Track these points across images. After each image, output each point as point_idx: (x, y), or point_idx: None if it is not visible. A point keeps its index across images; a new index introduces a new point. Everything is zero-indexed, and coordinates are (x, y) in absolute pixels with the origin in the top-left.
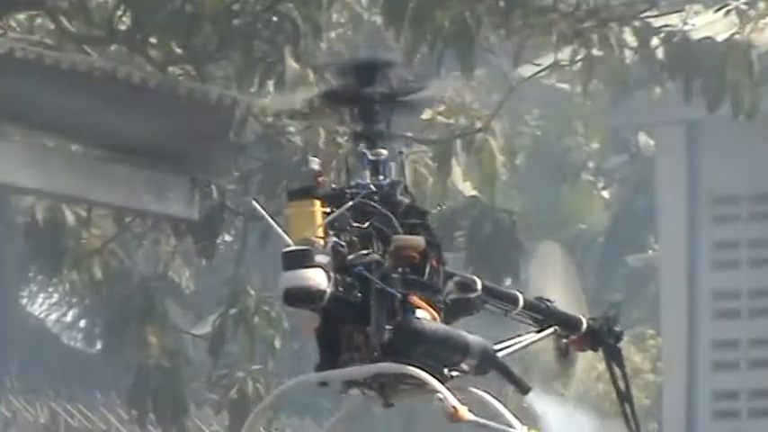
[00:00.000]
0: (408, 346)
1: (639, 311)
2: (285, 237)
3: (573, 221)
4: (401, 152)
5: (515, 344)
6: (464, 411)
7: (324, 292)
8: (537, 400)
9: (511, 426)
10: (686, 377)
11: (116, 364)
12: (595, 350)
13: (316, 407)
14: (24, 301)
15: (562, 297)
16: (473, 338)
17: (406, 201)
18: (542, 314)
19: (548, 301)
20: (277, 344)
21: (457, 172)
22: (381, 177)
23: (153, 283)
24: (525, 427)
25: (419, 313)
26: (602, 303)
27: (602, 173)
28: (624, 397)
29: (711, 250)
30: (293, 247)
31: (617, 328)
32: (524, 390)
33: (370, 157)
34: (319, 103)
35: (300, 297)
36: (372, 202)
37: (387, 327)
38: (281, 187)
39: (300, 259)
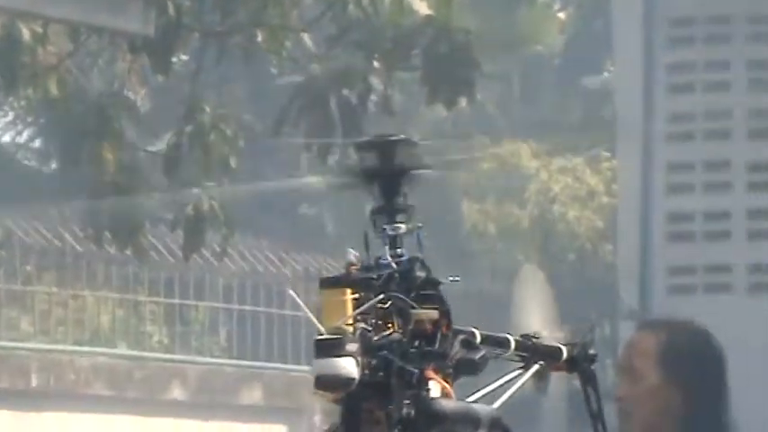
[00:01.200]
0: (427, 428)
1: (595, 133)
2: (318, 324)
3: (529, 43)
4: (419, 226)
5: (505, 385)
6: None
7: (354, 379)
8: None
9: None
10: (641, 200)
11: (72, 182)
12: (571, 373)
13: (272, 228)
14: None
15: (541, 319)
16: (481, 409)
17: (423, 275)
18: (529, 352)
19: (533, 337)
20: (233, 163)
21: None
22: (399, 251)
23: (109, 101)
24: None
25: (433, 387)
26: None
27: None
28: (597, 417)
29: (667, 73)
30: (326, 336)
31: (592, 352)
32: None
33: (390, 233)
34: (344, 181)
35: (332, 384)
36: (394, 284)
37: (406, 403)
38: (238, 2)
39: (333, 348)
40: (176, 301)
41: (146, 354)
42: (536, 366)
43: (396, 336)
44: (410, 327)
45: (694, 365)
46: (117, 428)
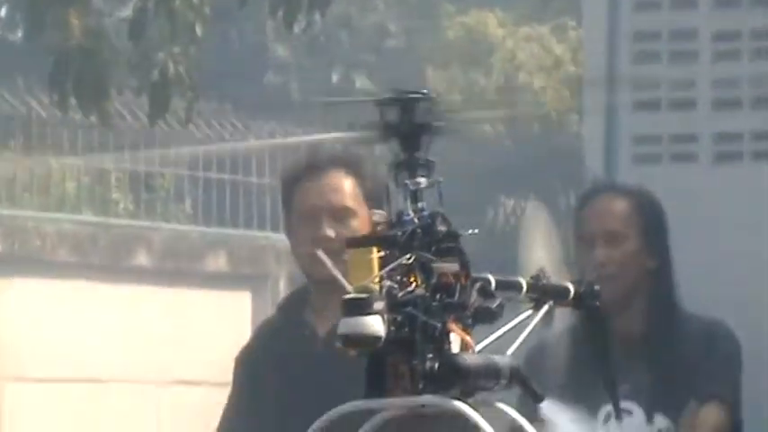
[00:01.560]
0: (452, 383)
1: (561, 1)
2: (345, 284)
3: None
4: (439, 181)
5: (518, 326)
6: None
7: (380, 338)
8: (548, 408)
9: None
10: (606, 69)
11: (37, 48)
12: (577, 310)
13: (238, 95)
14: None
15: (547, 257)
16: (501, 360)
17: (444, 229)
18: (539, 293)
19: (544, 275)
20: (198, 30)
21: None
22: (420, 206)
23: None
24: None
25: (454, 339)
26: None
27: None
28: (601, 354)
29: None
30: (354, 296)
31: (596, 288)
32: (538, 399)
33: (411, 187)
34: (364, 136)
35: (359, 343)
36: (417, 240)
37: (429, 357)
38: None
39: (360, 307)
40: (142, 168)
41: (111, 220)
42: (546, 307)
43: (419, 291)
44: (432, 281)
45: (664, 229)
46: (82, 294)
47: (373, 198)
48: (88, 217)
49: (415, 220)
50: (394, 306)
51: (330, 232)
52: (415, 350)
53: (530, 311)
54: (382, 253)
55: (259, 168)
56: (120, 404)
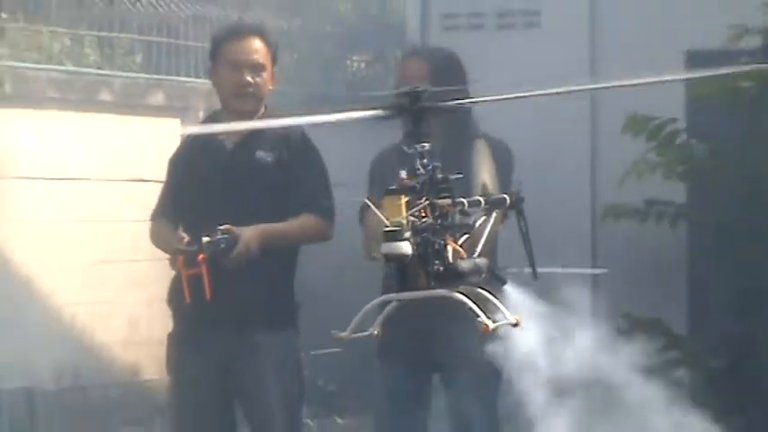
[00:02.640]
0: (454, 283)
1: None
2: (383, 219)
3: None
4: (437, 146)
5: (478, 230)
6: (491, 325)
7: (408, 255)
8: (509, 289)
9: (508, 319)
10: None
11: None
12: (510, 211)
13: None
14: None
15: (491, 180)
16: (480, 261)
17: (442, 176)
18: (490, 204)
19: (487, 192)
20: None
21: None
22: (425, 162)
23: None
24: (515, 318)
25: (450, 252)
26: None
27: None
28: (526, 239)
29: None
30: (390, 228)
31: (521, 196)
32: (503, 282)
33: (419, 149)
34: (381, 114)
35: (395, 258)
36: (427, 187)
37: (445, 264)
38: None
39: (395, 236)
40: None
41: (83, 69)
42: (495, 213)
43: (429, 221)
44: (436, 214)
45: (464, 76)
46: (63, 122)
47: (275, 58)
48: (68, 68)
49: (424, 173)
50: (415, 233)
51: (249, 79)
52: (429, 261)
53: (483, 217)
54: (407, 198)
55: (193, 33)
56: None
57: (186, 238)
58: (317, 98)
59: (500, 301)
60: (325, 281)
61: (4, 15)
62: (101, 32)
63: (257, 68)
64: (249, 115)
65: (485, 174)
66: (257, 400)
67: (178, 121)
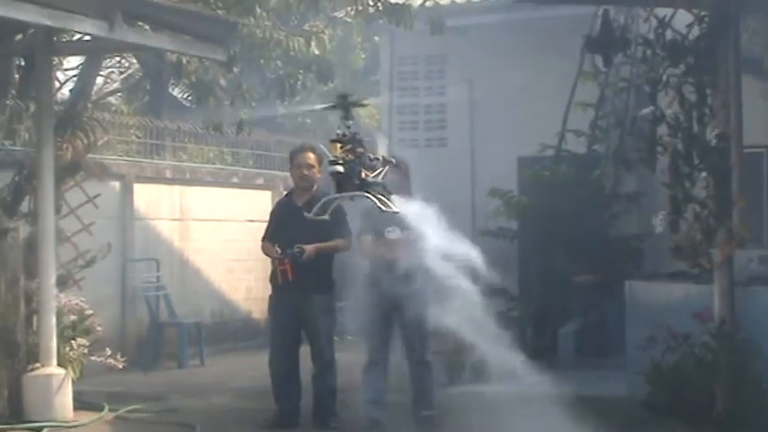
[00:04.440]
0: (365, 189)
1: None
2: (329, 154)
3: None
4: (354, 124)
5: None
6: (384, 208)
7: (342, 173)
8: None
9: (393, 209)
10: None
11: None
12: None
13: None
14: None
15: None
16: (375, 180)
17: (359, 135)
18: (384, 160)
19: (385, 157)
20: None
21: None
22: (350, 129)
23: None
24: (397, 209)
25: (363, 174)
26: None
27: None
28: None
29: None
30: (332, 158)
31: (405, 163)
32: (390, 193)
33: (347, 122)
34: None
35: (335, 173)
36: (350, 137)
37: (360, 179)
38: None
39: (335, 162)
40: None
41: (225, 167)
42: (387, 166)
43: (352, 158)
44: (356, 154)
45: (408, 177)
46: None
47: (321, 162)
48: (223, 166)
49: (349, 134)
50: (345, 163)
51: (306, 173)
52: (352, 177)
53: (381, 167)
54: (341, 144)
55: (276, 148)
56: None
57: (279, 250)
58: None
59: (388, 201)
60: (344, 269)
61: (189, 144)
62: (233, 149)
63: (310, 168)
64: (307, 190)
65: (383, 155)
66: (312, 327)
67: (270, 192)
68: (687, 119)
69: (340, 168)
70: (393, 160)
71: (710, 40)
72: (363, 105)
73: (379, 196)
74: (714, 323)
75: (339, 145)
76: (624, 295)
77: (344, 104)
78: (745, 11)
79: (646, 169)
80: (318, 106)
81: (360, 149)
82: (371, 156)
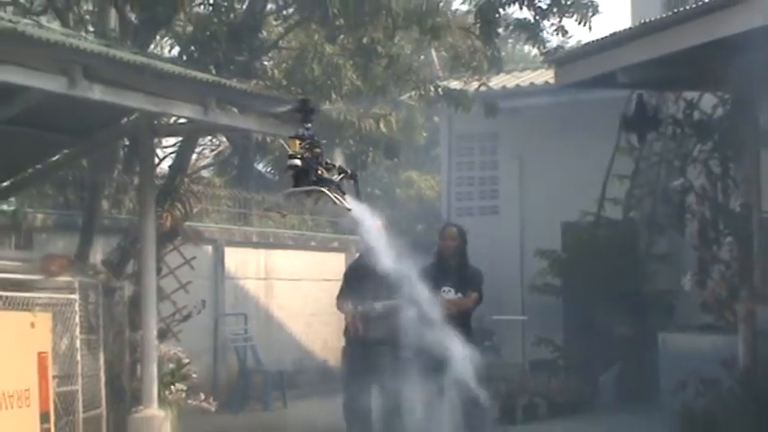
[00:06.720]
0: (320, 185)
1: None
2: (290, 150)
3: None
4: (312, 130)
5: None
6: (339, 203)
7: (299, 167)
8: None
9: (346, 205)
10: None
11: None
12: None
13: None
14: None
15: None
16: (333, 180)
17: (316, 138)
18: (339, 169)
19: (341, 167)
20: None
21: None
22: (309, 131)
23: None
24: (350, 206)
25: (319, 171)
26: None
27: None
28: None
29: None
30: (291, 153)
31: (356, 173)
32: (344, 192)
33: (307, 126)
34: (288, 116)
35: (293, 167)
36: (309, 138)
37: (316, 176)
38: None
39: (294, 157)
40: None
41: (305, 232)
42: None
43: (310, 155)
44: (315, 152)
45: (465, 240)
46: None
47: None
48: (302, 231)
49: (307, 135)
50: (303, 159)
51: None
52: (309, 172)
53: (338, 174)
54: (302, 142)
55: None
56: None
57: (351, 306)
58: None
59: (343, 199)
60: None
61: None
62: (312, 216)
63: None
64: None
65: (339, 163)
66: (383, 377)
67: (344, 254)
68: (713, 189)
69: (297, 162)
70: (349, 171)
71: (733, 120)
72: (317, 111)
73: (334, 193)
74: (739, 370)
75: (298, 141)
76: (658, 346)
77: (304, 109)
78: (766, 93)
79: (676, 233)
80: (279, 109)
81: (317, 150)
82: (329, 160)
